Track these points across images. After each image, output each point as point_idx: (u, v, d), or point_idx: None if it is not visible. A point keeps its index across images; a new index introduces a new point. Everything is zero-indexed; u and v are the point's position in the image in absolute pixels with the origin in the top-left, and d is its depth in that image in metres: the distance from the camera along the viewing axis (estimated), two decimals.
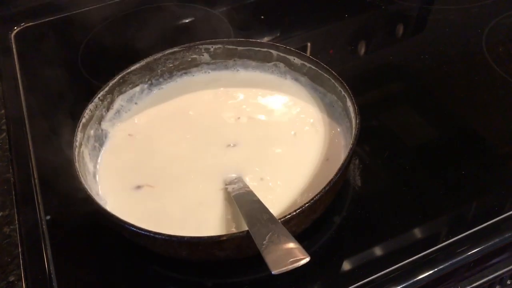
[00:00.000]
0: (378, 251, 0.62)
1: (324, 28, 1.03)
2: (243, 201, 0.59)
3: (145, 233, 0.53)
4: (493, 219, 0.64)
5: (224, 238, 0.53)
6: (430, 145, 0.76)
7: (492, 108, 0.82)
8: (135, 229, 0.54)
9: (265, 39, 0.98)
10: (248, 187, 0.62)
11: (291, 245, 0.49)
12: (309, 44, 0.98)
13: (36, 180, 0.72)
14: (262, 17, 1.05)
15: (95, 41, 0.99)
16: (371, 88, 0.86)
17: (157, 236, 0.53)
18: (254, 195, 0.60)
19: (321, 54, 0.95)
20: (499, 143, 0.76)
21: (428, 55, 0.93)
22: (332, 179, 0.56)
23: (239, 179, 0.65)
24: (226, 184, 0.65)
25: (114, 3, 1.10)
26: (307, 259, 0.47)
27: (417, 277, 0.59)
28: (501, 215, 0.65)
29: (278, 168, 0.67)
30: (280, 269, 0.46)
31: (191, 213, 0.63)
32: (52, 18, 1.06)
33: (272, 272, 0.46)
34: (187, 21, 1.05)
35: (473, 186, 0.69)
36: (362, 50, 0.97)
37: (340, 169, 0.57)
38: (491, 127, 0.78)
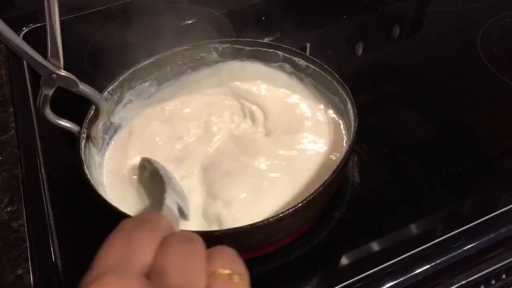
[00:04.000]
0: (376, 246, 0.63)
1: (323, 29, 1.04)
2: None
3: None
4: (488, 214, 0.66)
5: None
6: (427, 142, 0.78)
7: (487, 106, 0.83)
8: None
9: (266, 40, 0.98)
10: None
11: None
12: (308, 44, 0.99)
13: (44, 176, 0.73)
14: (263, 18, 1.06)
15: (101, 41, 1.00)
16: (369, 88, 0.87)
17: None
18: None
19: (320, 54, 0.94)
20: (494, 141, 0.78)
21: (424, 55, 0.94)
22: (326, 180, 0.57)
23: None
24: None
25: (119, 5, 1.11)
26: None
27: (414, 271, 0.61)
28: (496, 210, 0.66)
29: (282, 164, 0.68)
30: None
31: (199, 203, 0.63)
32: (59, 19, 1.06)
33: None
34: (190, 22, 1.06)
35: (469, 182, 0.71)
36: (360, 51, 0.98)
37: (334, 171, 0.58)
38: (486, 125, 0.80)
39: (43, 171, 0.74)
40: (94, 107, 0.64)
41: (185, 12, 1.06)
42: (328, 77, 0.74)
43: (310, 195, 0.55)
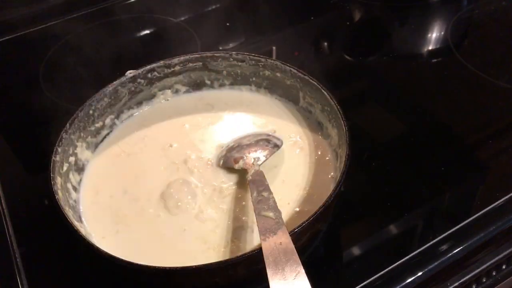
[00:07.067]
0: (365, 257, 0.62)
1: (289, 31, 1.03)
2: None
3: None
4: (475, 214, 0.65)
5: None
6: (406, 142, 0.77)
7: (462, 99, 0.83)
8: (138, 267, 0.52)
9: (231, 45, 0.97)
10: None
11: None
12: (274, 47, 0.97)
13: (4, 205, 0.69)
14: (228, 24, 1.03)
15: (55, 58, 0.96)
16: (340, 88, 0.85)
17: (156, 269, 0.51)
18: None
19: (286, 56, 0.95)
20: (470, 133, 0.77)
21: (396, 53, 0.94)
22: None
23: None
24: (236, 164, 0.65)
25: (72, 18, 1.07)
26: None
27: (406, 280, 0.59)
28: (482, 210, 0.65)
29: None
30: None
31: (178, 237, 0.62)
32: (9, 37, 1.02)
33: None
34: (149, 32, 1.03)
35: (454, 183, 0.70)
36: (328, 51, 0.97)
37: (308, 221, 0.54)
38: (461, 118, 0.79)
39: (3, 200, 0.70)
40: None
41: (145, 22, 1.03)
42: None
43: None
